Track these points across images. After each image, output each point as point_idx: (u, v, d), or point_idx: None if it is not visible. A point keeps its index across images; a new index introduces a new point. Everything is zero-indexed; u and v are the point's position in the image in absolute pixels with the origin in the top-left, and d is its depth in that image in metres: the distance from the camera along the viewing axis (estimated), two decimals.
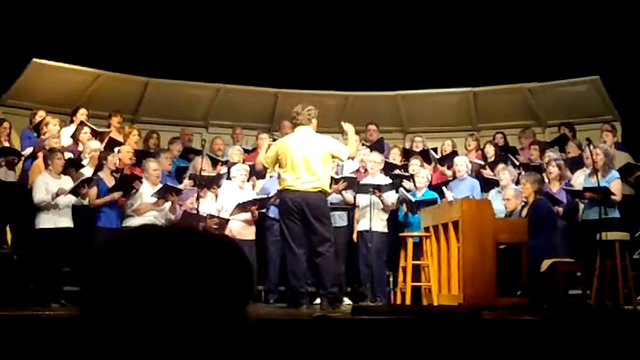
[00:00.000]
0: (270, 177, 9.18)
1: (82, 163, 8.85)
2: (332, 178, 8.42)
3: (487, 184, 9.51)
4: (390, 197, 9.16)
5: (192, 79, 11.69)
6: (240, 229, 8.85)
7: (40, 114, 9.62)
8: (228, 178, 9.25)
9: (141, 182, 8.51)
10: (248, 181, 9.30)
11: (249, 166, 9.32)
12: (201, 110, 12.06)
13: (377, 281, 9.04)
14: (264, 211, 9.15)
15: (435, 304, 7.82)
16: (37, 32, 10.31)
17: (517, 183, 8.82)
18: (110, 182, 8.54)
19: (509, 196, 8.51)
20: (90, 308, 1.05)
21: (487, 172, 9.78)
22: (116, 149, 9.21)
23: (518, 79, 11.58)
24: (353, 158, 8.65)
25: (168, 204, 8.53)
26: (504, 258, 7.61)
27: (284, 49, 11.71)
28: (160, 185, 8.54)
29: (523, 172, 9.10)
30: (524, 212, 8.13)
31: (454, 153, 10.26)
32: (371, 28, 11.81)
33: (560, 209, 8.59)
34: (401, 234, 8.78)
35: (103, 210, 8.39)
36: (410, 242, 8.42)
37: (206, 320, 1.03)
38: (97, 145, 9.10)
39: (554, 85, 11.53)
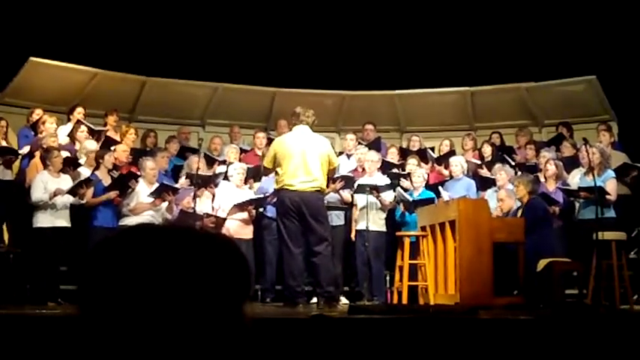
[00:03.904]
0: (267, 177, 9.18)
1: (80, 162, 8.85)
2: (329, 177, 8.42)
3: (484, 184, 9.52)
4: (388, 196, 9.17)
5: (189, 78, 11.69)
6: (238, 228, 8.85)
7: (37, 112, 9.62)
8: (225, 177, 9.24)
9: (137, 181, 8.51)
10: (245, 182, 9.28)
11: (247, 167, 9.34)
12: (199, 109, 12.06)
13: (375, 280, 9.05)
14: (261, 210, 9.15)
15: (432, 303, 7.83)
16: (34, 31, 10.31)
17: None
18: (107, 181, 8.54)
19: (503, 196, 8.51)
20: (87, 307, 1.06)
21: (484, 172, 9.79)
22: (112, 148, 9.21)
23: (515, 79, 11.58)
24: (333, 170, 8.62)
25: (165, 203, 8.53)
26: (501, 257, 7.62)
27: (281, 48, 11.71)
28: (157, 185, 8.54)
29: (520, 172, 9.12)
30: (519, 213, 8.14)
31: (451, 152, 10.27)
32: (368, 28, 11.81)
33: (557, 209, 8.60)
34: (398, 233, 8.79)
35: (99, 209, 8.40)
36: (407, 241, 8.43)
37: (203, 319, 1.03)
38: (93, 145, 9.10)
39: (550, 85, 11.54)
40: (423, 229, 8.43)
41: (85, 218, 8.38)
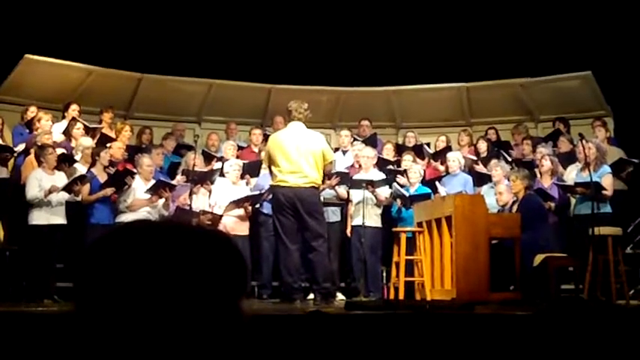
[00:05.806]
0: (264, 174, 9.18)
1: (75, 158, 8.84)
2: (325, 172, 8.42)
3: (480, 180, 9.53)
4: (384, 192, 9.17)
5: (185, 74, 11.69)
6: (234, 224, 8.85)
7: (32, 110, 9.60)
8: (221, 174, 9.24)
9: (133, 177, 8.51)
10: (242, 178, 9.28)
11: (243, 163, 9.33)
12: (195, 106, 12.05)
13: (371, 276, 9.05)
14: (257, 206, 9.14)
15: (428, 299, 7.84)
16: (29, 28, 10.28)
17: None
18: (103, 178, 8.54)
19: (502, 190, 8.52)
20: (83, 304, 1.05)
21: (480, 168, 9.80)
22: (108, 145, 9.19)
23: (511, 75, 11.59)
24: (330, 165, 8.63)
25: (161, 200, 8.53)
26: (497, 253, 7.63)
27: (277, 44, 11.70)
28: (153, 181, 8.54)
29: (515, 168, 9.13)
30: (515, 208, 8.15)
31: (448, 148, 10.27)
32: (364, 24, 11.80)
33: (553, 204, 8.62)
34: (394, 229, 8.80)
35: (95, 206, 8.40)
36: (403, 237, 8.43)
37: (200, 315, 1.03)
38: (89, 142, 9.10)
39: (546, 81, 11.54)
40: (420, 224, 8.44)
41: (82, 215, 8.37)
